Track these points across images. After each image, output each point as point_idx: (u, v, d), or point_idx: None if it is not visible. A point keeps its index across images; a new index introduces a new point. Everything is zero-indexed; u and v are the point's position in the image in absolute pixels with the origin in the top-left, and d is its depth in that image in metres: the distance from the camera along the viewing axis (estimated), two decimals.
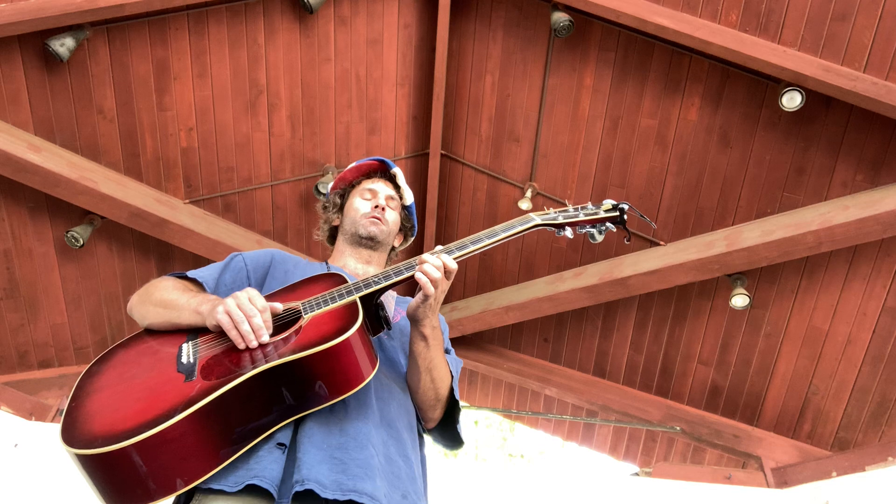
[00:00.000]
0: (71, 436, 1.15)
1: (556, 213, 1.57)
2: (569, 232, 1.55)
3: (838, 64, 3.43)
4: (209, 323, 1.34)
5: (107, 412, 1.19)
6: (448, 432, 1.62)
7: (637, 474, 3.71)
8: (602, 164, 4.16)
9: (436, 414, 1.57)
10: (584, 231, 1.57)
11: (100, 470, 1.13)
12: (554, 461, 9.38)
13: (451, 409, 1.60)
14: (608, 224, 1.56)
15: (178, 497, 1.29)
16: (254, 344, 1.28)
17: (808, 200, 3.76)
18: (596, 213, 1.55)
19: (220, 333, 1.34)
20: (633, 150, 4.06)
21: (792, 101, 3.47)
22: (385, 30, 4.15)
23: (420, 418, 1.59)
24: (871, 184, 3.61)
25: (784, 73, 3.45)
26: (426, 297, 1.41)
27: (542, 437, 7.99)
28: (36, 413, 3.49)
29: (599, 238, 1.57)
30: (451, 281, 1.44)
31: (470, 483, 3.37)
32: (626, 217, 1.54)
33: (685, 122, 3.90)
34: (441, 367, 1.52)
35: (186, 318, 1.38)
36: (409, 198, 1.95)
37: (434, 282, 1.40)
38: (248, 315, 1.29)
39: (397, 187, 1.94)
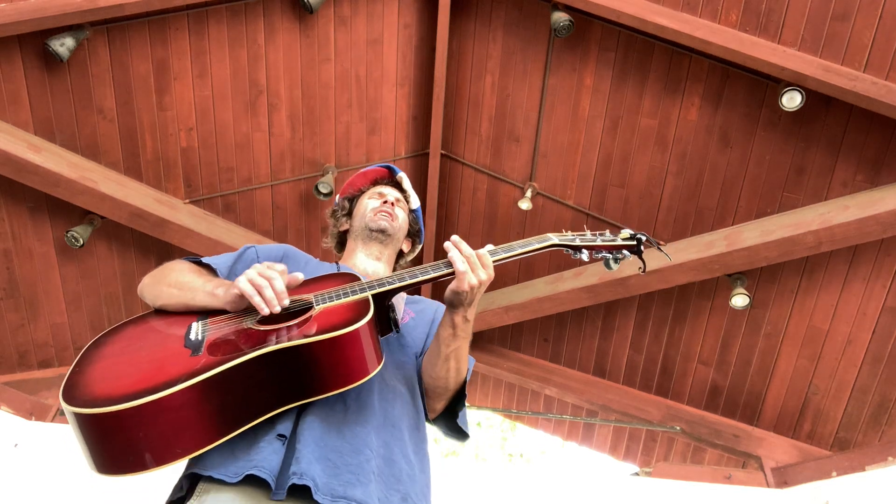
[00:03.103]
0: (71, 395, 1.16)
1: (573, 235, 1.59)
2: (585, 255, 1.57)
3: (838, 64, 3.43)
4: (228, 297, 1.35)
5: (110, 378, 1.20)
6: (453, 424, 1.62)
7: (637, 474, 3.71)
8: (602, 164, 4.16)
9: (439, 405, 1.58)
10: (600, 256, 1.59)
11: (96, 432, 1.14)
12: (554, 461, 9.38)
13: (455, 403, 1.60)
14: (625, 252, 1.58)
15: (181, 485, 1.31)
16: (277, 309, 1.29)
17: (808, 200, 3.76)
18: (613, 241, 1.59)
19: (230, 316, 1.36)
20: (633, 150, 4.06)
21: (792, 101, 3.47)
22: (385, 30, 4.15)
23: (424, 409, 1.58)
24: (871, 184, 3.61)
25: (784, 72, 3.45)
26: (458, 291, 1.40)
27: (542, 437, 7.99)
28: (36, 413, 3.49)
29: (615, 266, 1.60)
30: (486, 278, 1.41)
31: (470, 483, 3.37)
32: (642, 248, 1.58)
33: (685, 122, 3.90)
34: (462, 360, 1.52)
35: (200, 300, 1.40)
36: (415, 202, 1.99)
37: (468, 261, 1.39)
38: (269, 279, 1.30)
39: (403, 192, 1.98)
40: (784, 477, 3.59)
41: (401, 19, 4.14)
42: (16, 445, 3.23)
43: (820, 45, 3.46)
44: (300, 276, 1.38)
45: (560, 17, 3.71)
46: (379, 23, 4.12)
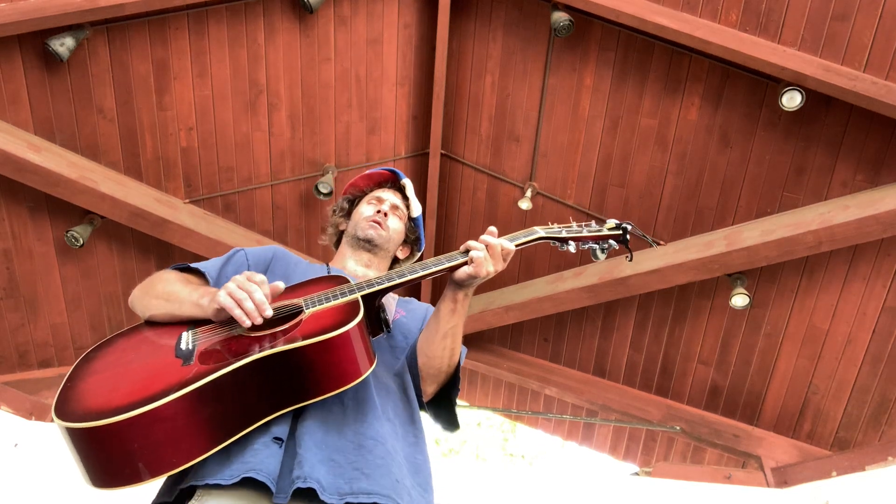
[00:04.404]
0: (63, 411, 1.15)
1: (560, 227, 1.60)
2: (572, 247, 1.59)
3: (838, 64, 3.43)
4: (211, 311, 1.35)
5: (102, 391, 1.20)
6: (444, 411, 1.63)
7: (637, 474, 3.71)
8: (602, 164, 4.16)
9: (431, 388, 1.58)
10: (586, 247, 1.61)
11: (90, 446, 1.14)
12: (554, 461, 9.38)
13: (449, 389, 1.61)
14: (611, 242, 1.60)
15: (180, 494, 1.30)
16: (258, 320, 1.29)
17: (808, 200, 3.76)
18: (599, 231, 1.60)
19: (220, 324, 1.36)
20: (633, 150, 4.06)
21: (792, 100, 3.47)
22: (385, 30, 4.15)
23: (418, 397, 1.59)
24: (871, 184, 3.61)
25: (784, 72, 3.45)
26: (475, 276, 1.46)
27: (542, 437, 7.99)
28: (36, 413, 3.50)
29: (601, 256, 1.61)
30: (501, 268, 1.51)
31: (470, 483, 3.37)
32: (628, 237, 1.59)
33: (685, 121, 3.89)
34: (457, 340, 1.54)
35: (187, 311, 1.40)
36: (416, 209, 1.98)
37: (479, 261, 1.46)
38: (249, 292, 1.30)
39: (406, 198, 1.97)
40: (784, 477, 3.59)
41: (401, 19, 4.14)
42: (16, 445, 3.23)
43: (820, 45, 3.46)
44: (281, 285, 1.38)
45: (560, 17, 3.71)
46: (379, 22, 4.12)
